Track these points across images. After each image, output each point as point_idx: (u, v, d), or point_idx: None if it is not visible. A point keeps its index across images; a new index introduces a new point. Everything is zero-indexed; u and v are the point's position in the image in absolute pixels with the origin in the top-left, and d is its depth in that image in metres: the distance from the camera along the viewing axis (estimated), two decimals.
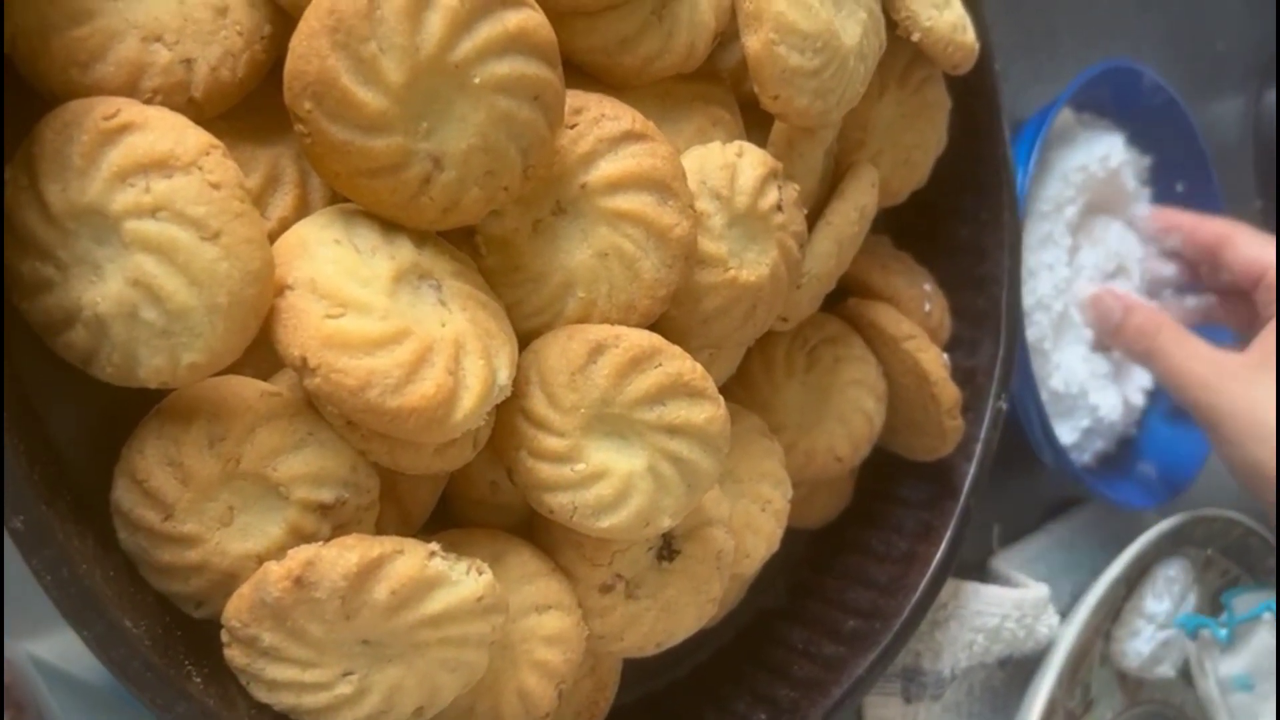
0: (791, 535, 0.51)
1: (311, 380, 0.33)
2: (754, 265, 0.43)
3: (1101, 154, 0.74)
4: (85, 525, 0.35)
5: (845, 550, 0.60)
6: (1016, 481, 0.74)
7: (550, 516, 0.39)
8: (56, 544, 0.33)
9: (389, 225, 0.36)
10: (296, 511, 0.36)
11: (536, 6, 0.35)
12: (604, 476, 0.38)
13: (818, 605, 0.58)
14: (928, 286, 0.58)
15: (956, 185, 0.59)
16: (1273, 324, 0.67)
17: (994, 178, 0.58)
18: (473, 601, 0.36)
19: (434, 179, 0.35)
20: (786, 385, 0.53)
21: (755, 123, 0.46)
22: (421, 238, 0.37)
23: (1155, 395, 0.80)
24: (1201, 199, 0.80)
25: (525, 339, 0.39)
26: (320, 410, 0.36)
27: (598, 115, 0.39)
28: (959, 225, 0.60)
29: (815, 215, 0.48)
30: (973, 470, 0.57)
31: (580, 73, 0.42)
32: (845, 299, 0.55)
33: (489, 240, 0.39)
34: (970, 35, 0.51)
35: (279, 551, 0.35)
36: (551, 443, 0.38)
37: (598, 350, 0.38)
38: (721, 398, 0.40)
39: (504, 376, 0.37)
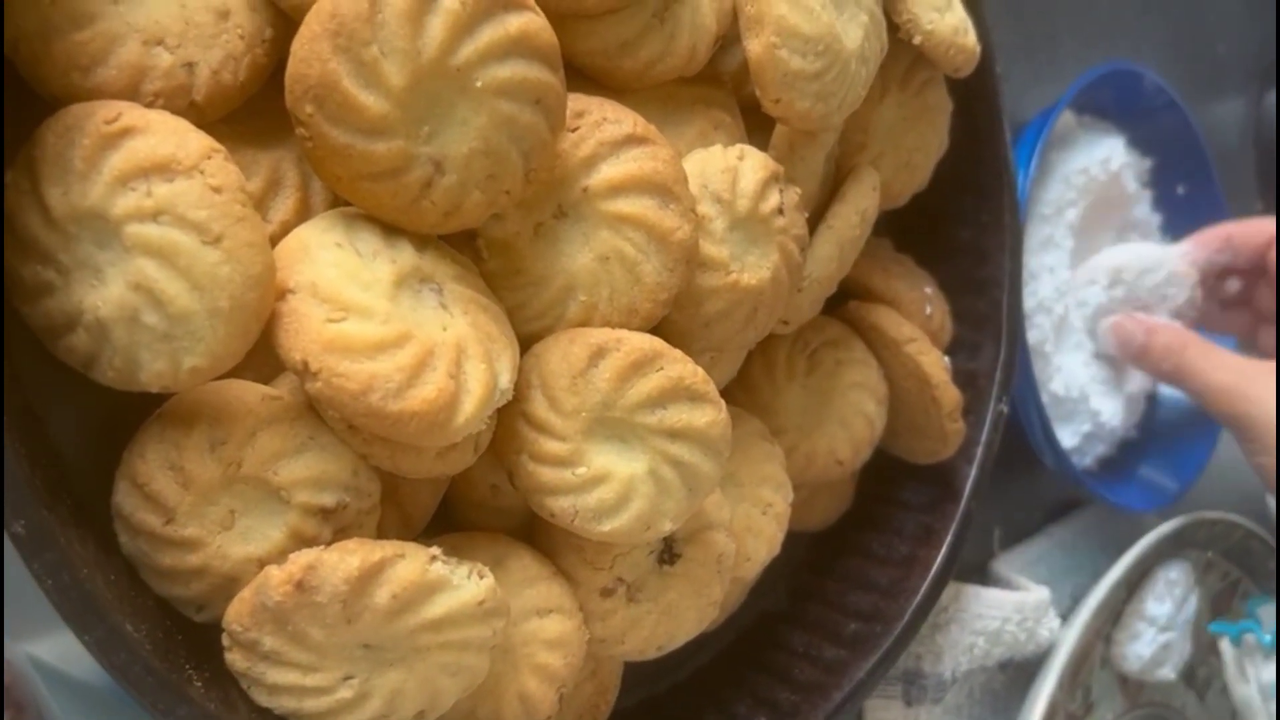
0: (792, 538, 0.51)
1: (313, 384, 0.33)
2: (755, 269, 0.43)
3: (1102, 156, 0.74)
4: (86, 529, 0.35)
5: (846, 553, 0.60)
6: (1017, 484, 0.74)
7: (551, 520, 0.39)
8: (57, 548, 0.33)
9: (390, 229, 0.36)
10: (298, 515, 0.36)
11: (538, 10, 0.35)
12: (605, 480, 0.38)
13: (818, 608, 0.58)
14: (929, 289, 0.58)
15: (957, 188, 0.59)
16: None
17: (995, 180, 0.58)
18: (474, 605, 0.36)
19: (435, 183, 0.35)
20: (787, 388, 0.53)
21: (757, 126, 0.46)
22: (423, 241, 0.37)
23: (1156, 398, 0.80)
24: (1203, 201, 0.80)
25: (526, 342, 0.39)
26: (321, 414, 0.36)
27: (599, 119, 0.39)
28: (960, 228, 0.60)
29: (816, 218, 0.49)
30: (974, 473, 0.57)
31: (582, 76, 0.42)
32: (846, 302, 0.55)
33: (490, 244, 0.39)
34: (972, 38, 0.51)
35: (280, 555, 0.35)
36: (553, 446, 0.38)
37: (599, 354, 0.38)
38: (723, 401, 0.40)
39: (505, 380, 0.37)
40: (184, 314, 0.32)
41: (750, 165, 0.42)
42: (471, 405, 0.35)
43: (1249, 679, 0.73)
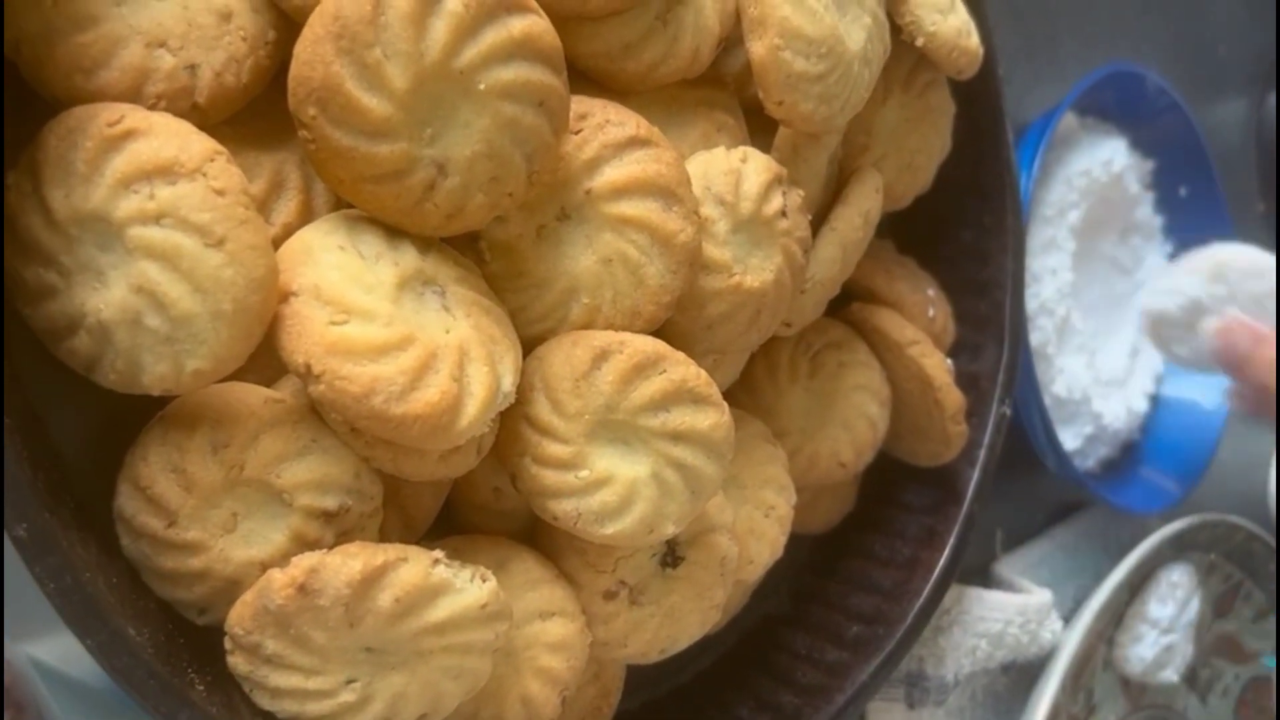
0: (795, 540, 0.51)
1: (315, 387, 0.33)
2: (758, 271, 0.43)
3: (1104, 158, 0.74)
4: (88, 532, 0.35)
5: (849, 555, 0.60)
6: (1019, 486, 0.74)
7: (554, 523, 0.39)
8: (60, 551, 0.33)
9: (393, 231, 0.36)
10: (300, 518, 0.36)
11: (541, 12, 0.35)
12: (608, 483, 0.38)
13: (821, 611, 0.58)
14: (931, 291, 0.58)
15: (960, 190, 0.59)
16: None
17: (997, 182, 0.58)
18: (476, 609, 0.36)
19: (438, 185, 0.35)
20: (790, 391, 0.53)
21: (759, 128, 0.46)
22: (425, 244, 0.37)
23: (1158, 400, 0.80)
24: (1204, 203, 0.80)
25: (529, 345, 0.39)
26: (324, 417, 0.36)
27: (602, 121, 0.39)
28: (962, 230, 0.60)
29: (819, 220, 0.48)
30: (976, 475, 0.57)
31: (584, 78, 0.42)
32: (849, 304, 0.55)
33: (493, 246, 0.39)
34: (974, 40, 0.51)
35: (282, 559, 0.35)
36: (555, 449, 0.38)
37: (602, 356, 0.38)
38: (726, 404, 0.39)
39: (508, 383, 0.37)
40: (186, 316, 0.32)
41: (753, 167, 0.42)
42: (474, 408, 0.35)
43: None
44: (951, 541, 0.56)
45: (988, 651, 0.64)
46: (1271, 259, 0.70)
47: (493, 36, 0.34)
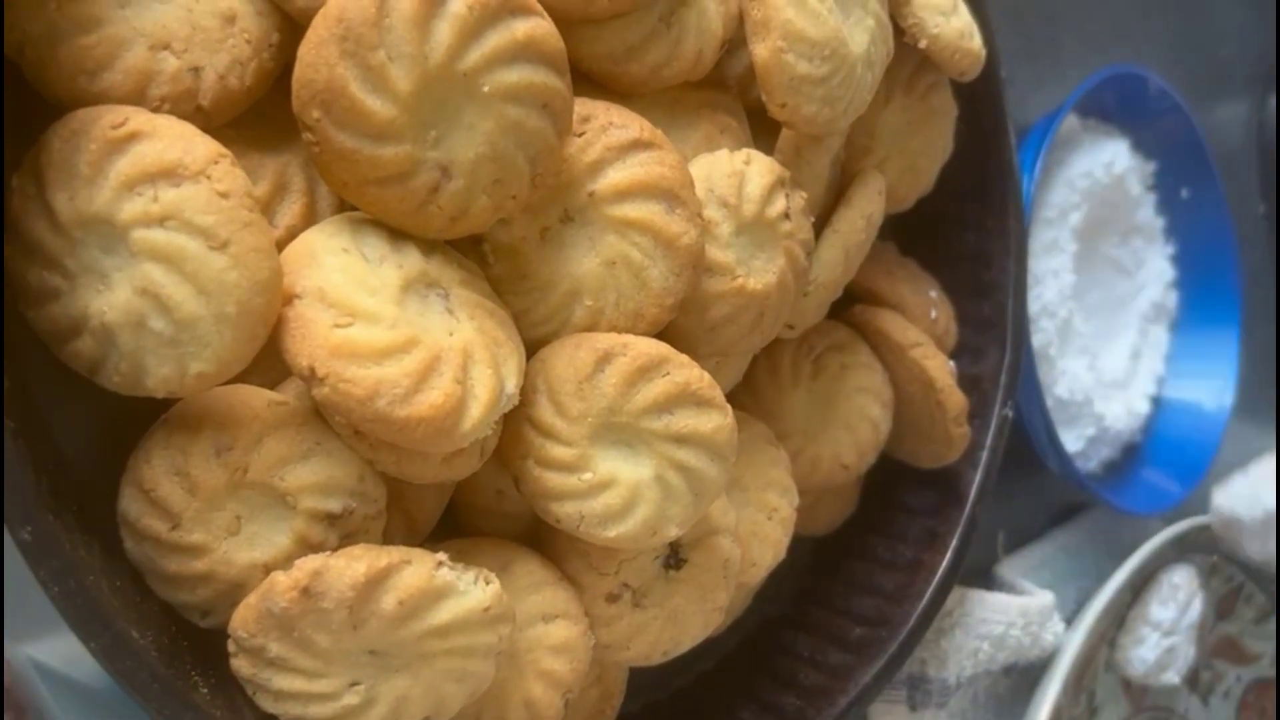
0: (797, 542, 0.51)
1: (319, 390, 0.33)
2: (761, 273, 0.43)
3: (1106, 160, 0.74)
4: (92, 535, 0.35)
5: (851, 558, 0.60)
6: (1021, 488, 0.74)
7: (557, 525, 0.39)
8: (63, 554, 0.33)
9: (397, 234, 0.36)
10: (304, 521, 0.36)
11: (545, 15, 0.35)
12: (611, 485, 0.38)
13: (823, 613, 0.58)
14: (933, 293, 0.58)
15: (962, 192, 0.59)
16: None
17: (999, 184, 0.58)
18: (480, 611, 0.36)
19: (442, 187, 0.35)
20: (793, 393, 0.53)
21: (762, 130, 0.46)
22: (429, 246, 0.37)
23: (1160, 402, 0.80)
24: (1206, 205, 0.80)
25: (532, 347, 0.39)
26: (328, 420, 0.36)
27: (605, 123, 0.39)
28: (964, 232, 0.60)
29: (821, 223, 0.48)
30: (978, 477, 0.57)
31: (588, 81, 0.42)
32: (851, 306, 0.55)
33: (496, 249, 0.39)
34: (977, 42, 0.51)
35: (286, 561, 0.35)
36: (559, 452, 0.38)
37: (605, 359, 0.38)
38: (729, 407, 0.39)
39: (512, 385, 0.36)
40: (190, 319, 0.32)
41: (756, 170, 0.42)
42: (478, 410, 0.35)
43: None
44: (953, 543, 0.56)
45: (990, 653, 0.64)
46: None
47: (496, 39, 0.34)
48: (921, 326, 0.55)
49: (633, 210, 0.39)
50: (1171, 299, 0.81)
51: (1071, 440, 0.73)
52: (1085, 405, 0.73)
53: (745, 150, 0.43)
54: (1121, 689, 0.75)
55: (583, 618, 0.42)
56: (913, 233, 0.60)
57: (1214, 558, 0.78)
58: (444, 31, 0.33)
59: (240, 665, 0.35)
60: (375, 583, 0.34)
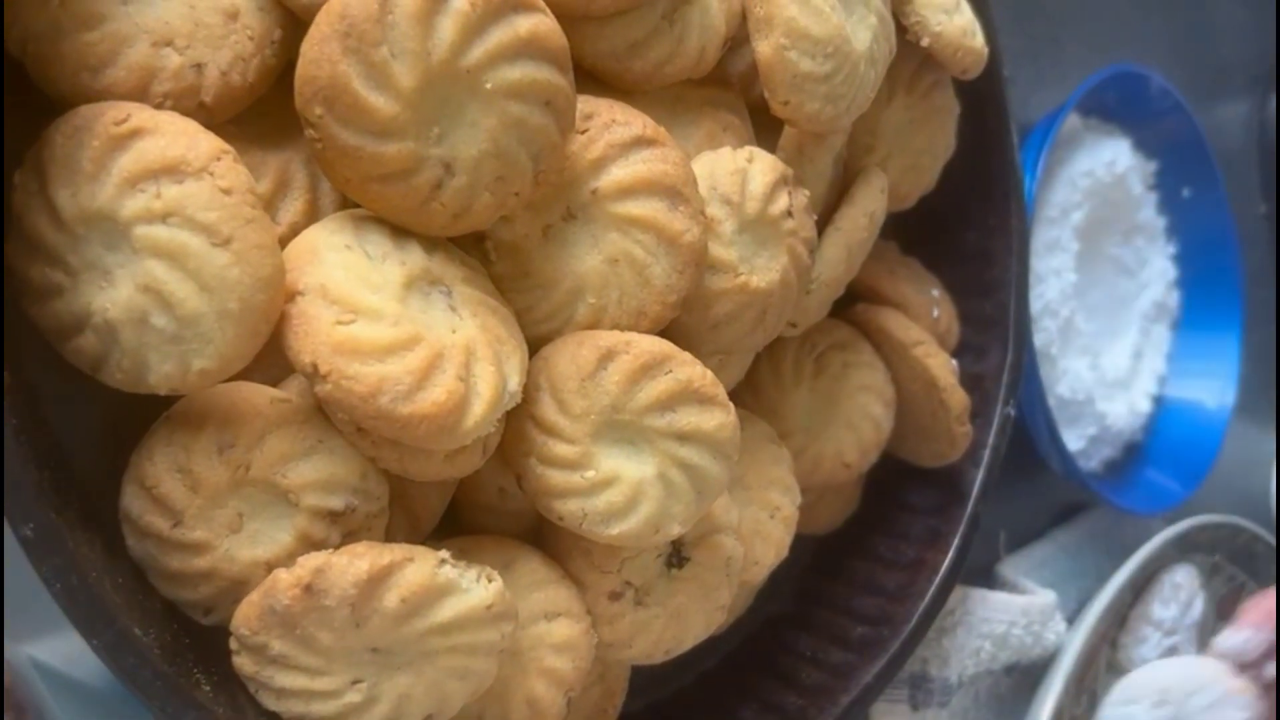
0: (799, 541, 0.51)
1: (322, 387, 0.33)
2: (764, 271, 0.43)
3: (1108, 159, 0.74)
4: (94, 532, 0.35)
5: (853, 556, 0.60)
6: (1023, 488, 0.74)
7: (560, 523, 0.39)
8: (65, 551, 0.33)
9: (399, 231, 0.36)
10: (306, 518, 0.36)
11: (548, 11, 0.35)
12: (614, 483, 0.38)
13: (825, 612, 0.58)
14: (936, 292, 0.58)
15: (964, 190, 0.59)
16: None
17: (1002, 183, 0.58)
18: (482, 609, 0.36)
19: (445, 184, 0.35)
20: (795, 391, 0.53)
21: (765, 128, 0.46)
22: (432, 243, 0.37)
23: (1162, 401, 0.80)
24: (1207, 204, 0.80)
25: (535, 345, 0.39)
26: (330, 417, 0.36)
27: (608, 120, 0.39)
28: (967, 231, 0.60)
29: (824, 221, 0.48)
30: (981, 476, 0.57)
31: (590, 78, 0.42)
32: (854, 305, 0.55)
33: (499, 246, 0.39)
34: (980, 40, 0.51)
35: (288, 559, 0.35)
36: (561, 449, 0.38)
37: (608, 357, 0.38)
38: (732, 405, 0.39)
39: (514, 383, 0.36)
40: (193, 316, 0.32)
41: (759, 167, 0.42)
42: (480, 408, 0.35)
43: None
44: (956, 543, 0.56)
45: (991, 653, 0.64)
46: (1211, 666, 0.68)
47: (499, 35, 0.34)
48: (924, 325, 0.55)
49: (635, 208, 0.39)
50: (1173, 298, 0.81)
51: (1073, 439, 0.73)
52: (1087, 404, 0.73)
53: (748, 148, 0.43)
54: None
55: (585, 616, 0.42)
56: (915, 231, 0.60)
57: (1215, 557, 0.78)
58: (447, 28, 0.33)
59: (242, 663, 0.35)
60: (377, 580, 0.34)
